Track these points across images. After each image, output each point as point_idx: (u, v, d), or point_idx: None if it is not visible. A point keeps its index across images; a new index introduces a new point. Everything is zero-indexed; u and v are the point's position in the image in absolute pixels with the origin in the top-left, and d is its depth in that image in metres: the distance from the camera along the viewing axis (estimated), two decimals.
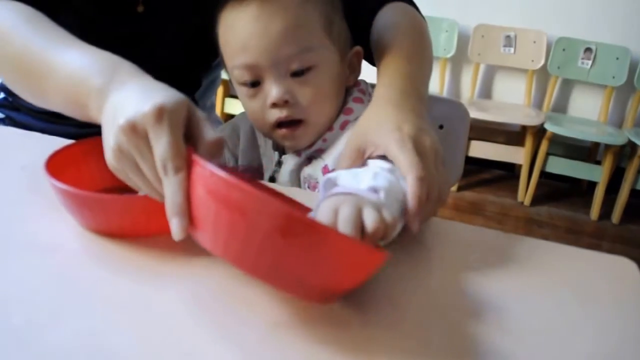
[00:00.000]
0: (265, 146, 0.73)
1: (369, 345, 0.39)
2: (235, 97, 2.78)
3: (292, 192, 0.57)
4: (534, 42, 2.55)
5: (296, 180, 0.69)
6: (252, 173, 0.74)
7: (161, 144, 0.40)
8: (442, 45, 2.62)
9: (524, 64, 2.58)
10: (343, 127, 0.66)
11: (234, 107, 2.68)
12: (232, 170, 0.76)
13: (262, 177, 0.74)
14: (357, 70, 0.69)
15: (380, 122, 0.53)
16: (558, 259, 0.53)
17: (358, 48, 0.68)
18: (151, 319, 0.40)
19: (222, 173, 0.36)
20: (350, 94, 0.69)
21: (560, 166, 2.48)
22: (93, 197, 0.49)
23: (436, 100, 0.89)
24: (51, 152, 0.54)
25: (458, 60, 2.69)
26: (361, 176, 0.48)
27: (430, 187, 0.49)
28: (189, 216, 0.40)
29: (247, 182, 0.36)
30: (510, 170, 2.74)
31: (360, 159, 0.53)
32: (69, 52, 0.54)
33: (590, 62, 2.48)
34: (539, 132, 2.44)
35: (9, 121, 0.87)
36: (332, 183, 0.49)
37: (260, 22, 0.59)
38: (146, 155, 0.42)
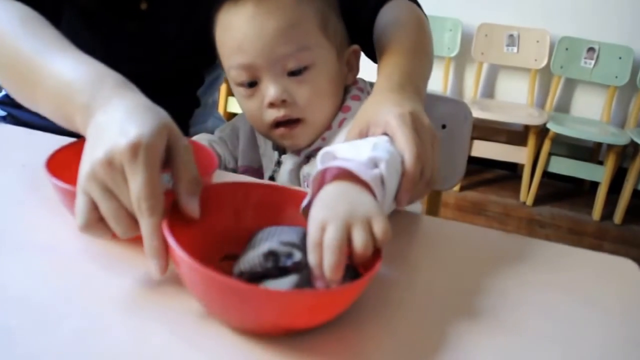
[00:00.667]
0: (265, 146, 0.72)
1: (370, 344, 0.39)
2: None
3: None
4: (537, 41, 2.54)
5: (295, 180, 0.69)
6: (251, 174, 0.74)
7: (136, 181, 0.40)
8: (446, 44, 2.61)
9: (527, 63, 2.58)
10: (341, 124, 0.66)
11: (237, 105, 2.68)
12: (233, 170, 0.76)
13: (262, 178, 0.74)
14: (355, 68, 0.69)
15: (381, 104, 0.54)
16: (560, 260, 0.53)
17: (355, 46, 0.68)
18: (150, 319, 0.40)
19: (173, 245, 0.38)
20: (348, 92, 0.69)
21: (562, 166, 2.47)
22: None
23: (439, 99, 0.89)
24: (52, 150, 0.54)
25: (461, 60, 2.69)
26: (361, 147, 0.47)
27: (425, 166, 0.49)
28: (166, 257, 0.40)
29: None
30: (512, 170, 2.74)
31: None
32: (58, 61, 0.53)
33: (593, 61, 2.47)
34: (542, 131, 2.43)
35: (11, 119, 0.87)
36: (330, 156, 0.48)
37: (255, 22, 0.59)
38: (122, 188, 0.41)
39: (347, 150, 0.47)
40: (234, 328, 0.39)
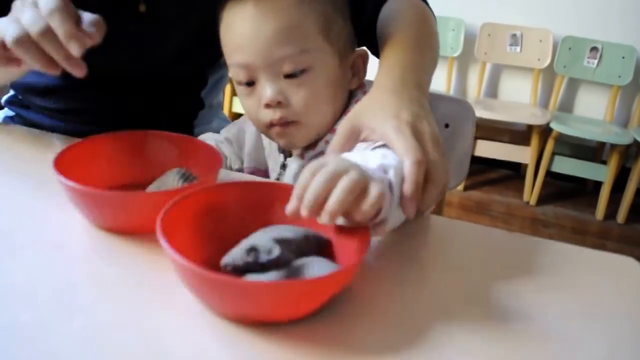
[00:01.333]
0: (270, 148, 0.72)
1: (371, 343, 0.40)
2: None
3: None
4: (540, 41, 2.54)
5: None
6: (258, 175, 0.74)
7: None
8: (449, 44, 2.61)
9: (530, 62, 2.57)
10: None
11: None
12: (238, 171, 0.76)
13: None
14: (361, 72, 0.68)
15: (378, 107, 0.53)
16: (563, 259, 0.53)
17: (362, 50, 0.67)
18: (159, 315, 0.41)
19: (170, 253, 0.39)
20: (354, 96, 0.68)
21: (566, 166, 2.47)
22: (101, 195, 0.50)
23: (442, 99, 0.89)
24: (60, 149, 0.54)
25: (464, 59, 2.69)
26: (369, 156, 0.47)
27: (429, 171, 0.48)
28: None
29: None
30: (516, 170, 2.73)
31: (355, 140, 0.53)
32: None
33: (596, 61, 2.47)
34: (545, 131, 2.43)
35: (19, 119, 0.88)
36: None
37: (254, 23, 0.59)
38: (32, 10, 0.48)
39: (355, 158, 0.47)
40: (233, 320, 0.40)
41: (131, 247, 0.49)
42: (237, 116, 0.81)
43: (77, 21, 0.50)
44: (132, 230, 0.50)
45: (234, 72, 0.63)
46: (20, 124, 0.80)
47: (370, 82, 0.71)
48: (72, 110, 0.82)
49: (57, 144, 0.62)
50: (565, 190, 2.62)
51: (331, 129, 0.66)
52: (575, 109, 2.65)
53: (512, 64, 2.62)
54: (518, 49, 2.57)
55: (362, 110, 0.54)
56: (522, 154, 2.50)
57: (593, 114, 2.59)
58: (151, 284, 0.44)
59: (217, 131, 0.82)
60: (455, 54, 2.62)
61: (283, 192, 0.51)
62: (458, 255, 0.53)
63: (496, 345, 0.41)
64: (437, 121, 0.55)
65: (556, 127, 2.35)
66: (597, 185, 2.49)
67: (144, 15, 0.77)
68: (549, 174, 2.47)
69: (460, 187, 2.52)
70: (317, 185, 0.39)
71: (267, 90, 0.61)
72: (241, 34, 0.60)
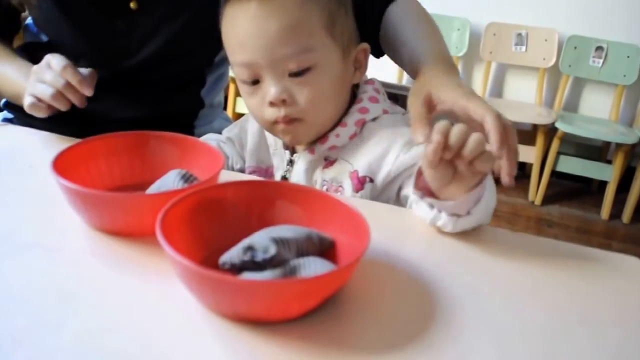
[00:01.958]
0: (276, 145, 0.72)
1: (368, 343, 0.39)
2: None
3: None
4: (546, 40, 2.52)
5: (310, 180, 0.68)
6: (259, 174, 0.74)
7: (55, 60, 0.67)
8: (454, 43, 2.60)
9: (536, 62, 2.56)
10: (359, 125, 0.66)
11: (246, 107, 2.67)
12: (240, 171, 0.76)
13: (271, 177, 0.73)
14: (363, 67, 0.67)
15: (440, 84, 0.59)
16: (569, 259, 0.52)
17: (365, 45, 0.67)
18: (157, 318, 0.40)
19: (168, 250, 0.39)
20: (364, 91, 0.68)
21: (571, 165, 2.45)
22: (100, 196, 0.49)
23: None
24: (58, 150, 0.54)
25: (470, 59, 2.67)
26: None
27: (506, 124, 0.52)
28: None
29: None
30: (521, 170, 2.72)
31: (432, 110, 0.58)
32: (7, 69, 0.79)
33: (601, 60, 2.45)
34: (550, 131, 2.41)
35: (18, 121, 0.88)
36: None
37: (258, 21, 0.59)
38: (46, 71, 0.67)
39: None
40: (230, 319, 0.40)
41: (130, 249, 0.48)
42: (240, 116, 0.81)
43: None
44: (132, 232, 0.50)
45: (237, 71, 0.63)
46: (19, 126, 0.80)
47: (378, 81, 0.71)
48: (70, 112, 0.83)
49: (55, 145, 0.62)
50: (570, 190, 2.61)
51: (340, 122, 0.66)
52: (580, 108, 2.64)
53: (517, 64, 2.61)
54: (523, 48, 2.55)
55: (426, 85, 0.60)
56: (527, 154, 2.48)
57: (598, 113, 2.58)
58: (150, 286, 0.44)
59: (219, 131, 0.82)
60: (461, 54, 2.61)
61: (283, 191, 0.51)
62: (461, 255, 0.52)
63: (497, 345, 0.40)
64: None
65: (561, 126, 2.34)
66: (603, 184, 2.47)
67: (135, 12, 0.78)
68: (554, 173, 2.46)
69: None
70: (462, 129, 0.47)
71: (271, 88, 0.60)
72: (244, 32, 0.60)
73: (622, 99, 2.49)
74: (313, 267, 0.43)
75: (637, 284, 0.50)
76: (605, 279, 0.50)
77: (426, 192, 0.53)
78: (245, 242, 0.44)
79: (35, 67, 0.69)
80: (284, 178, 0.70)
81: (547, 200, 2.48)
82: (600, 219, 2.40)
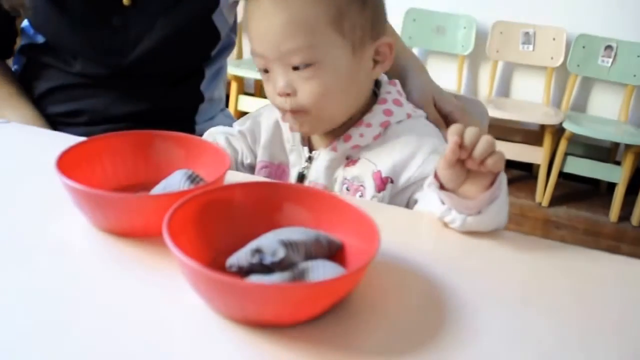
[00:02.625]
0: (294, 141, 0.72)
1: (376, 349, 0.39)
2: (249, 94, 2.78)
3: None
4: (554, 39, 2.50)
5: (331, 179, 0.68)
6: (270, 170, 0.73)
7: None
8: (460, 42, 2.59)
9: (543, 61, 2.54)
10: (384, 126, 0.67)
11: (248, 104, 2.67)
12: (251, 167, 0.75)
13: (282, 174, 0.72)
14: (386, 61, 0.67)
15: (437, 87, 0.77)
16: (576, 262, 0.52)
17: (387, 39, 0.66)
18: (164, 320, 0.40)
19: (177, 253, 0.38)
20: (388, 92, 0.69)
21: (579, 166, 2.43)
22: (106, 197, 0.49)
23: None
24: (62, 149, 0.54)
25: (476, 58, 2.66)
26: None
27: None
28: None
29: None
30: (528, 171, 2.70)
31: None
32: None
33: (610, 60, 2.43)
34: (558, 131, 2.40)
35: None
36: None
37: (268, 17, 0.61)
38: None
39: None
40: (238, 322, 0.40)
41: (136, 249, 0.48)
42: (243, 114, 0.81)
43: None
44: (137, 233, 0.50)
45: (254, 59, 0.66)
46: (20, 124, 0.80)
47: (398, 83, 0.72)
48: (70, 112, 0.83)
49: (59, 143, 0.61)
50: (578, 192, 2.59)
51: (364, 121, 0.66)
52: (588, 108, 2.62)
53: (524, 63, 2.59)
54: (531, 47, 2.54)
55: (428, 89, 0.76)
56: (535, 154, 2.47)
57: (607, 113, 2.56)
58: (156, 287, 0.44)
59: None
60: (466, 52, 2.59)
61: (290, 193, 0.50)
62: (468, 258, 0.52)
63: (506, 350, 0.40)
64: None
65: (569, 127, 2.32)
66: (611, 186, 2.45)
67: (128, 8, 0.80)
68: (562, 174, 2.44)
69: None
70: (474, 130, 0.50)
71: (278, 80, 0.63)
72: (257, 25, 0.63)
73: (631, 99, 2.47)
74: (322, 270, 0.42)
75: None
76: (613, 282, 0.50)
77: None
78: (253, 244, 0.43)
79: None
80: (301, 175, 0.70)
81: (555, 201, 2.46)
82: (608, 221, 2.38)
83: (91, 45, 0.81)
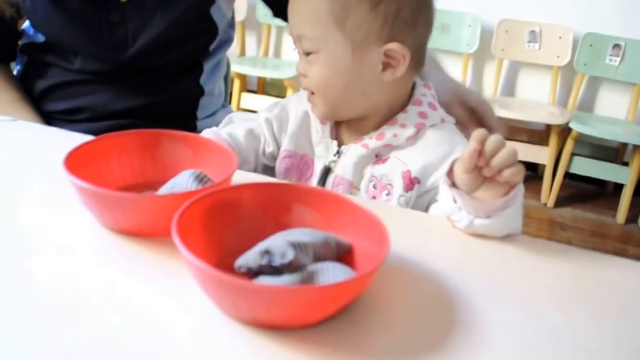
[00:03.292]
0: (323, 134, 0.71)
1: (386, 353, 0.39)
2: (252, 91, 2.76)
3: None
4: (560, 37, 2.49)
5: (359, 175, 0.68)
6: (293, 160, 0.72)
7: None
8: (465, 40, 2.58)
9: (549, 60, 2.53)
10: (419, 128, 0.67)
11: (251, 102, 2.66)
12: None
13: (305, 165, 0.72)
14: (399, 67, 0.64)
15: (456, 83, 0.81)
16: (582, 265, 0.52)
17: (393, 45, 0.63)
18: (172, 319, 0.40)
19: (186, 254, 0.38)
20: (423, 94, 0.69)
21: (585, 167, 2.42)
22: (114, 196, 0.49)
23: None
24: (69, 147, 0.54)
25: (481, 56, 2.65)
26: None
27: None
28: None
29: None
30: (533, 171, 2.69)
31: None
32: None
33: (618, 59, 2.41)
34: (564, 131, 2.39)
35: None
36: None
37: (294, 3, 0.66)
38: None
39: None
40: (247, 324, 0.40)
41: (144, 249, 0.48)
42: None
43: None
44: (144, 232, 0.50)
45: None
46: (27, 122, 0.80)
47: (430, 86, 0.74)
48: (71, 109, 0.85)
49: (66, 141, 0.61)
50: (584, 192, 2.57)
51: (399, 122, 0.67)
52: (595, 108, 2.60)
53: (530, 62, 2.58)
54: (537, 45, 2.52)
55: (456, 89, 0.80)
56: (540, 155, 2.46)
57: (614, 113, 2.54)
58: (163, 286, 0.44)
59: None
60: (471, 51, 2.58)
61: (299, 194, 0.50)
62: (472, 257, 0.52)
63: (516, 354, 0.40)
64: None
65: (576, 126, 2.31)
66: (618, 187, 2.43)
67: (126, 4, 0.81)
68: (568, 175, 2.43)
69: None
70: (497, 138, 0.50)
71: (299, 61, 0.68)
72: (289, 9, 0.67)
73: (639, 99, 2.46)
74: (332, 272, 0.42)
75: None
76: (620, 286, 0.50)
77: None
78: (262, 245, 0.43)
79: None
80: (327, 168, 0.70)
81: (560, 202, 2.45)
82: (615, 222, 2.37)
83: (90, 41, 0.82)
